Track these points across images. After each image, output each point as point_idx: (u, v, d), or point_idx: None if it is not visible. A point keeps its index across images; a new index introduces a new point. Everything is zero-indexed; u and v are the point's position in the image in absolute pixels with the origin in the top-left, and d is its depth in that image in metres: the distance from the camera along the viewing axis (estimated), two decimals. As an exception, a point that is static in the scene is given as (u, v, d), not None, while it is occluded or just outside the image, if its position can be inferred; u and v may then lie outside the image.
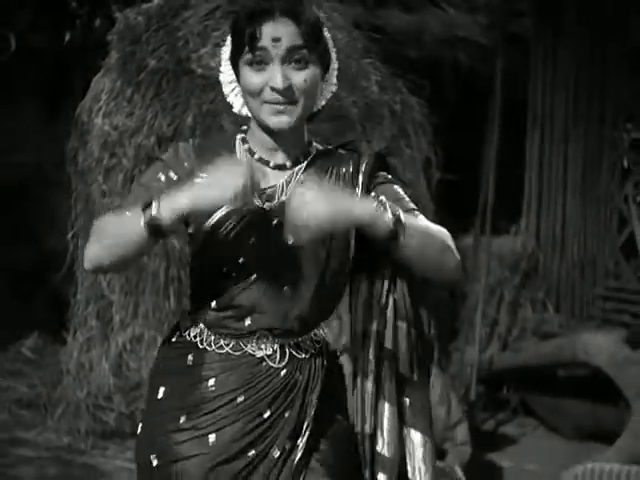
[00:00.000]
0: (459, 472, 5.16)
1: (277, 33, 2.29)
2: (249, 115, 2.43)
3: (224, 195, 2.19)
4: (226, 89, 2.45)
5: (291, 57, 2.31)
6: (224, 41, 2.40)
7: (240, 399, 2.37)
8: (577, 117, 7.34)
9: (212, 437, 2.36)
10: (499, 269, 7.22)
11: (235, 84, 2.43)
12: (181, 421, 2.39)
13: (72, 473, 5.39)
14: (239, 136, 2.46)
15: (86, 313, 6.16)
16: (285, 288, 2.37)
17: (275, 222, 2.35)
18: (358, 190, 2.40)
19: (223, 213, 2.32)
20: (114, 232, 2.29)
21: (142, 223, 2.23)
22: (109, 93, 6.05)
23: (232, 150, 2.43)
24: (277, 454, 2.38)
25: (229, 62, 2.42)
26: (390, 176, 2.47)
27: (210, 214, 2.31)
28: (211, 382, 2.38)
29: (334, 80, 2.47)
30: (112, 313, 6.06)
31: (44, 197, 7.66)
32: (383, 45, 6.54)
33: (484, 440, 6.18)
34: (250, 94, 2.35)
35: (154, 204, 2.23)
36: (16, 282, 7.75)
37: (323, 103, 2.45)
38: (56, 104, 7.74)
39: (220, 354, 2.39)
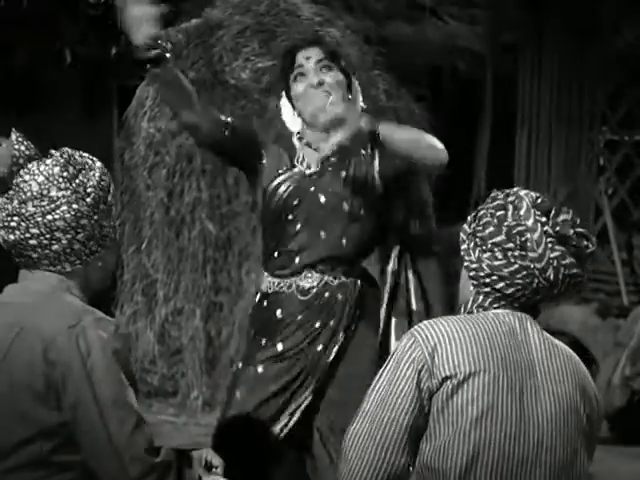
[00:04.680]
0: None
1: (308, 54, 3.30)
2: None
3: None
4: (290, 124, 3.37)
5: (319, 66, 3.28)
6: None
7: (299, 317, 3.29)
8: (560, 120, 8.08)
9: (280, 345, 3.28)
10: (489, 252, 7.85)
11: (295, 116, 3.35)
12: (262, 342, 3.32)
13: (123, 426, 6.03)
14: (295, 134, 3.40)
15: (132, 290, 6.92)
16: (322, 233, 3.28)
17: (312, 188, 3.29)
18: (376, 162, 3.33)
19: (277, 181, 3.28)
20: None
21: None
22: (153, 100, 6.82)
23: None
24: (321, 348, 3.27)
25: (286, 99, 3.35)
26: None
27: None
28: (278, 311, 3.31)
29: (360, 99, 3.42)
30: (156, 289, 6.84)
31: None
32: (389, 55, 7.29)
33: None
34: (299, 99, 3.29)
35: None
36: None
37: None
38: (96, 110, 8.39)
39: (281, 292, 3.31)
